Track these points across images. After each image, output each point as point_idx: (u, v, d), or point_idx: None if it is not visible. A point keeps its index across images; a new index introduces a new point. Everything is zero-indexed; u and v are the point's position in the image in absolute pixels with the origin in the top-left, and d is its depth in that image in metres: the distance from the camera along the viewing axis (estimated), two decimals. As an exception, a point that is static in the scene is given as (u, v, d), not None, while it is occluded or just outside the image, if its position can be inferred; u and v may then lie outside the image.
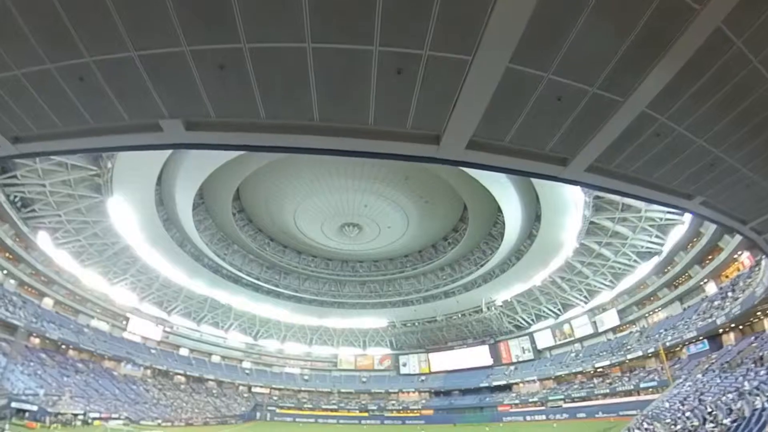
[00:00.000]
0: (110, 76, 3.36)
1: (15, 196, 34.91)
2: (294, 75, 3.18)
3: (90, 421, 34.89)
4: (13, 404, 28.53)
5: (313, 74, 3.16)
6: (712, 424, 14.48)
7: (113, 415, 38.32)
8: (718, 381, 24.40)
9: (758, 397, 14.75)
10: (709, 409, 17.08)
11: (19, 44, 3.13)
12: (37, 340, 42.26)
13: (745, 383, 18.61)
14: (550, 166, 4.34)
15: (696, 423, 16.85)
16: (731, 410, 15.16)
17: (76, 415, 34.15)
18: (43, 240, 39.54)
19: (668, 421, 22.21)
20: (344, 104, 3.45)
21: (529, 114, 3.65)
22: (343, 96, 3.38)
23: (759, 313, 29.00)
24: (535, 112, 3.64)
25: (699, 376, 29.18)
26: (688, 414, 20.69)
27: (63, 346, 45.10)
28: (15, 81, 3.47)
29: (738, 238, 30.30)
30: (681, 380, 31.70)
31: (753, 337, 29.54)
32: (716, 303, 33.66)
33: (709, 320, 32.17)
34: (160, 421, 43.76)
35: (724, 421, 14.14)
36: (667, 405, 27.40)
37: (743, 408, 14.42)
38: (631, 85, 3.52)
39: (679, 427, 19.36)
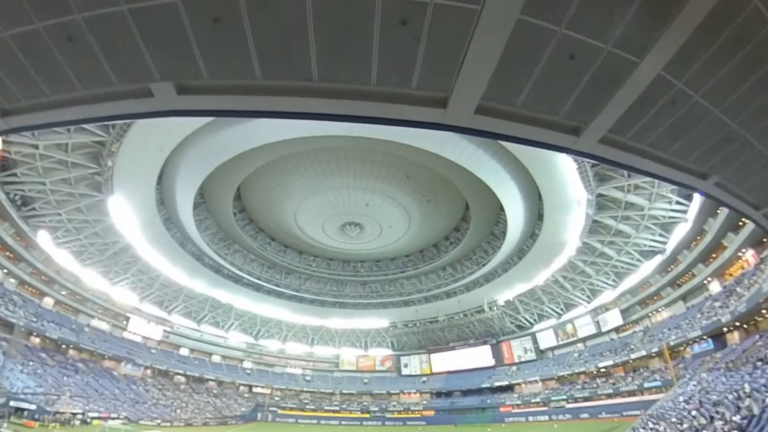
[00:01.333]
0: (100, 35, 3.18)
1: (15, 194, 34.84)
2: (292, 27, 2.99)
3: (89, 420, 34.74)
4: (12, 403, 28.39)
5: (312, 26, 2.96)
6: (721, 422, 14.20)
7: (112, 415, 38.15)
8: (724, 380, 24.10)
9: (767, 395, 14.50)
10: (716, 408, 16.80)
11: (5, 1, 2.95)
12: (37, 340, 42.14)
13: (746, 385, 18.27)
14: (563, 136, 4.12)
15: (703, 421, 16.57)
16: (739, 408, 14.90)
17: (75, 414, 34.01)
18: (43, 239, 39.46)
19: (674, 420, 21.91)
20: (345, 61, 3.25)
21: (540, 75, 3.45)
22: (344, 51, 3.18)
23: (764, 311, 28.69)
24: (547, 72, 3.43)
25: (704, 375, 28.84)
26: (694, 413, 20.40)
27: (63, 346, 44.99)
28: (2, 45, 3.28)
29: (742, 235, 30.13)
30: (685, 380, 31.34)
31: (758, 336, 29.22)
32: (720, 302, 33.32)
33: (714, 319, 31.85)
34: (159, 421, 43.57)
35: (734, 419, 13.88)
36: (671, 404, 27.09)
37: (752, 406, 14.16)
38: (647, 43, 3.32)
39: (685, 426, 19.07)
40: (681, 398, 26.44)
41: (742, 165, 4.97)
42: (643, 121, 4.30)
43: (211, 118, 29.99)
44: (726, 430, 13.34)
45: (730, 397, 17.85)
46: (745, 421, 12.94)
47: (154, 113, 3.86)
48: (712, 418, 16.32)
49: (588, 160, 30.51)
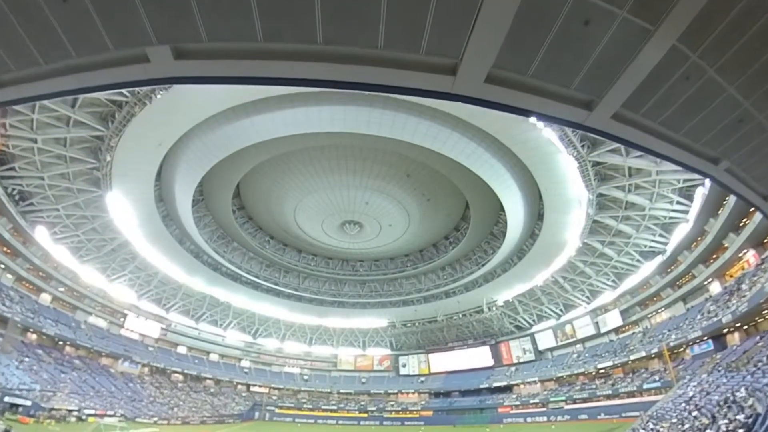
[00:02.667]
0: None
1: (13, 189, 34.62)
2: None
3: (84, 417, 34.47)
4: (6, 399, 28.14)
5: None
6: (725, 421, 14.04)
7: (109, 412, 37.89)
8: (724, 380, 23.97)
9: (770, 394, 14.38)
10: (718, 408, 16.65)
11: None
12: (33, 336, 41.86)
13: (741, 389, 18.11)
14: (575, 110, 3.99)
15: (705, 421, 16.42)
16: (742, 407, 14.76)
17: (70, 411, 33.75)
18: (41, 234, 39.24)
19: (674, 420, 21.77)
20: (351, 20, 3.10)
21: (553, 41, 3.31)
22: (350, 10, 3.02)
23: (765, 312, 28.59)
24: (560, 39, 3.29)
25: (704, 376, 28.71)
26: (695, 413, 20.27)
27: (60, 343, 44.73)
28: None
29: (743, 236, 30.01)
30: (685, 380, 31.22)
31: (758, 337, 29.12)
32: (720, 302, 33.19)
33: (715, 319, 31.72)
34: (156, 419, 43.31)
35: (737, 417, 13.72)
36: (671, 405, 26.96)
37: (755, 405, 14.01)
38: (662, 10, 3.19)
39: (686, 426, 18.93)
40: (681, 399, 26.32)
41: (753, 150, 4.87)
42: (656, 97, 4.20)
43: (212, 113, 29.89)
44: (731, 428, 13.18)
45: (732, 397, 17.70)
46: (750, 420, 12.78)
47: (150, 81, 3.70)
48: (714, 417, 16.17)
49: (589, 160, 30.47)
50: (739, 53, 3.62)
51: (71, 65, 3.68)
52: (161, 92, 25.45)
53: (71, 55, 3.54)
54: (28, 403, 29.84)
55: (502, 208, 43.22)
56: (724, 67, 3.77)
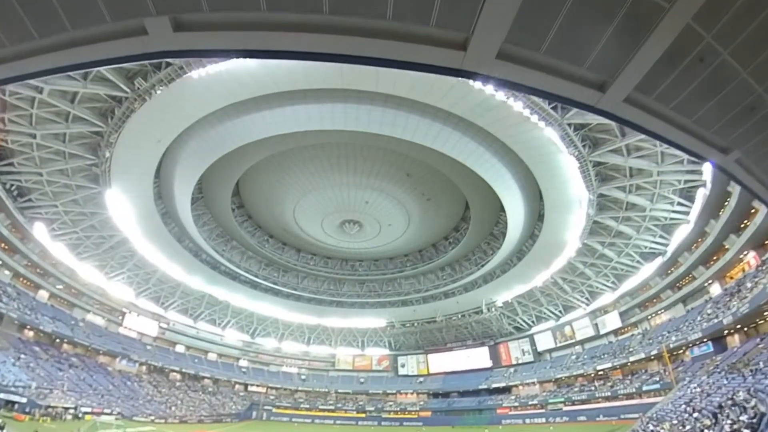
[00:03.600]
0: None
1: (11, 185, 34.45)
2: None
3: (81, 415, 34.23)
4: (2, 395, 27.90)
5: None
6: (729, 421, 13.91)
7: (105, 411, 37.67)
8: (725, 382, 23.85)
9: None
10: (720, 408, 16.52)
11: None
12: (31, 333, 41.63)
13: (740, 392, 17.96)
14: (587, 91, 3.89)
15: (707, 422, 16.29)
16: (745, 408, 14.64)
17: (67, 408, 33.51)
18: (39, 231, 39.06)
19: (675, 422, 21.65)
20: None
21: (567, 15, 3.20)
22: None
23: (766, 314, 28.51)
24: (574, 13, 3.18)
25: (704, 377, 28.60)
26: (696, 414, 20.15)
27: (57, 340, 44.51)
28: None
29: (744, 237, 29.92)
30: (685, 382, 31.10)
31: (759, 339, 29.04)
32: (720, 304, 33.10)
33: (715, 320, 31.61)
34: (153, 417, 43.08)
35: (741, 418, 13.60)
36: (671, 407, 26.84)
37: (758, 406, 13.89)
38: None
39: (688, 428, 18.81)
40: (682, 400, 26.20)
41: (765, 139, 4.78)
42: (669, 80, 4.11)
43: (212, 110, 29.75)
44: (736, 428, 13.06)
45: (734, 398, 17.59)
46: (755, 420, 12.67)
47: (148, 54, 3.57)
48: (716, 418, 16.05)
49: (590, 160, 30.37)
50: (753, 36, 3.53)
51: (67, 39, 3.56)
52: (161, 88, 25.31)
53: (66, 27, 3.42)
54: (24, 400, 29.62)
55: (502, 209, 43.12)
56: (737, 50, 3.68)
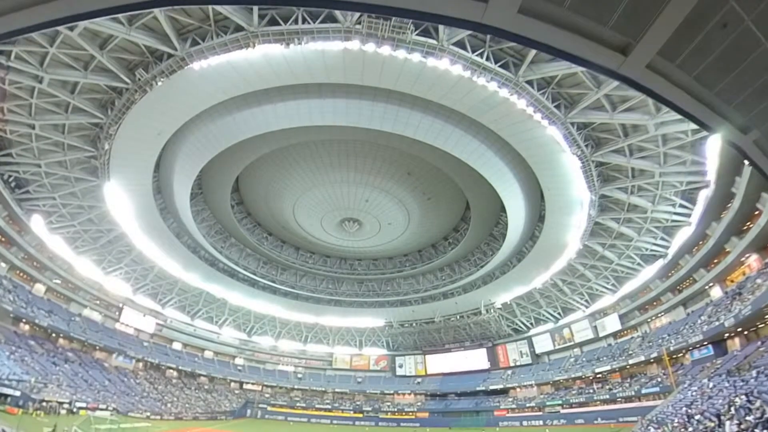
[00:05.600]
0: None
1: (9, 176, 34.16)
2: None
3: (75, 410, 33.84)
4: (-5, 388, 27.59)
5: None
6: (736, 421, 13.69)
7: (101, 406, 37.26)
8: (726, 385, 23.63)
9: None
10: (725, 409, 16.31)
11: None
12: (26, 327, 41.25)
13: (743, 394, 17.74)
14: (610, 54, 3.72)
15: (710, 424, 16.07)
16: (749, 410, 14.44)
17: (61, 403, 33.12)
18: (36, 224, 38.76)
19: (676, 424, 21.43)
20: None
21: None
22: None
23: (768, 317, 28.34)
24: None
25: (704, 381, 28.37)
26: (698, 417, 19.94)
27: (53, 335, 44.10)
28: None
29: (746, 240, 29.74)
30: (685, 385, 30.88)
31: (759, 342, 28.85)
32: (721, 307, 32.90)
33: (717, 323, 31.41)
34: (148, 414, 42.71)
35: (748, 418, 13.39)
36: (672, 409, 26.62)
37: (764, 407, 13.68)
38: None
39: (690, 430, 18.59)
40: (682, 403, 25.97)
41: None
42: (692, 46, 3.97)
43: (212, 103, 29.50)
44: (743, 428, 12.85)
45: (737, 400, 17.37)
46: (761, 420, 12.46)
47: (148, 3, 3.36)
48: (719, 420, 15.83)
49: (593, 160, 30.19)
50: None
51: None
52: (162, 79, 25.08)
53: None
54: (17, 393, 29.25)
55: (502, 209, 42.97)
56: (761, 16, 3.52)
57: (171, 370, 58.86)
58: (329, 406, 65.07)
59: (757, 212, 27.94)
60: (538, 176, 34.69)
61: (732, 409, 15.84)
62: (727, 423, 13.93)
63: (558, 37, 3.47)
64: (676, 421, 21.98)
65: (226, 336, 68.08)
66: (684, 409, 23.66)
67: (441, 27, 21.75)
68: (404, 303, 64.50)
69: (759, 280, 27.82)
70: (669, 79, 4.19)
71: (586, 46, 3.58)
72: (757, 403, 14.51)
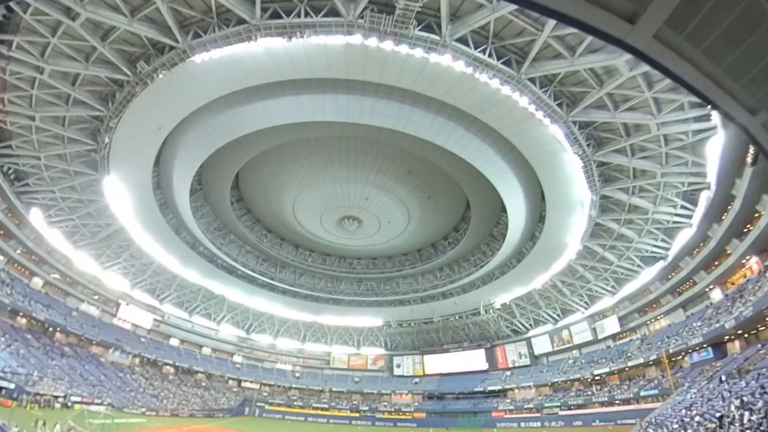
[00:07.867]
0: None
1: (9, 168, 34.08)
2: None
3: (70, 404, 33.69)
4: (-10, 380, 27.43)
5: None
6: (737, 422, 13.54)
7: (96, 401, 37.11)
8: (726, 386, 23.48)
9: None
10: (726, 409, 16.15)
11: None
12: (23, 320, 41.11)
13: (736, 400, 17.56)
14: (618, 21, 3.61)
15: (711, 425, 15.91)
16: (752, 410, 14.30)
17: (56, 397, 32.97)
18: (35, 217, 38.65)
19: (676, 426, 21.27)
20: None
21: None
22: None
23: (768, 320, 28.18)
24: None
25: (704, 383, 28.22)
26: (698, 419, 19.79)
27: (50, 329, 43.96)
28: None
29: (747, 242, 29.61)
30: (685, 388, 30.73)
31: (759, 345, 28.69)
32: (721, 310, 32.76)
33: (717, 325, 31.26)
34: (144, 409, 42.51)
35: (752, 418, 13.23)
36: (671, 411, 26.46)
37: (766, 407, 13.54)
38: None
39: (690, 431, 18.43)
40: (681, 405, 25.81)
41: None
42: (699, 16, 3.85)
43: (213, 97, 29.40)
44: (747, 426, 12.70)
45: (738, 402, 17.23)
46: (765, 420, 12.32)
47: None
48: (720, 421, 15.67)
49: (594, 159, 30.08)
50: None
51: None
52: (163, 72, 24.98)
53: None
54: (12, 386, 29.11)
55: (502, 209, 42.83)
56: None
57: (168, 366, 58.68)
58: (326, 406, 64.88)
59: (757, 215, 27.84)
60: (539, 176, 34.55)
61: (734, 408, 15.67)
62: (746, 413, 13.73)
63: (564, 2, 3.37)
64: (676, 423, 21.82)
65: (225, 333, 67.94)
66: (683, 411, 23.51)
67: (444, 22, 21.66)
68: (403, 303, 64.31)
69: (759, 283, 27.67)
70: (676, 51, 4.09)
71: (594, 13, 3.48)
72: (760, 403, 14.35)
